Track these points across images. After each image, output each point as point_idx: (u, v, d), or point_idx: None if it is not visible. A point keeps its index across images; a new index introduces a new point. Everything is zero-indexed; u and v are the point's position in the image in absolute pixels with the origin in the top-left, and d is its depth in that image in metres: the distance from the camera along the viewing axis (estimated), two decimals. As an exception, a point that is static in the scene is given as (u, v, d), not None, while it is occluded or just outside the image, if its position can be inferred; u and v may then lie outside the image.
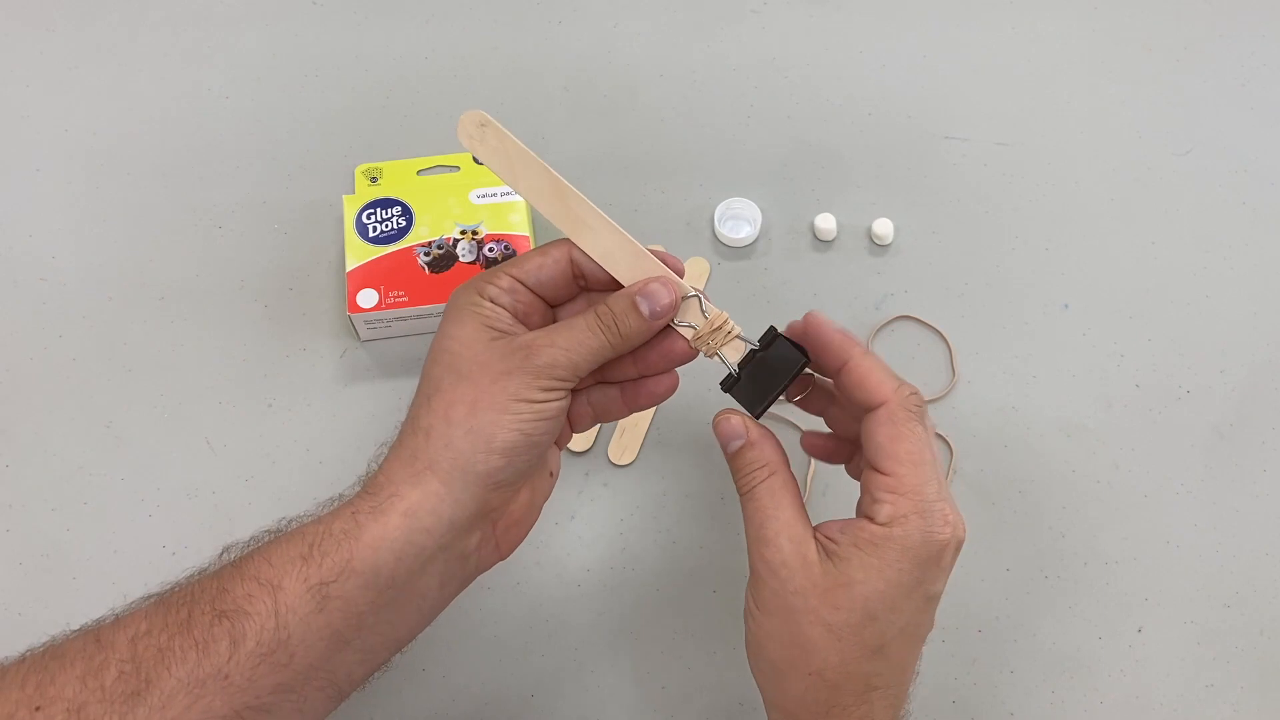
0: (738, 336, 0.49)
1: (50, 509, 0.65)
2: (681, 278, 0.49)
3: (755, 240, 0.71)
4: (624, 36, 0.79)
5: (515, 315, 0.48)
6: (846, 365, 0.48)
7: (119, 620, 0.44)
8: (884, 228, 0.71)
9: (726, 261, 0.71)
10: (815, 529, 0.47)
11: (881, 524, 0.45)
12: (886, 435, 0.46)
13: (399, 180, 0.71)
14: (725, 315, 0.49)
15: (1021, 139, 0.75)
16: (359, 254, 0.67)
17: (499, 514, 0.48)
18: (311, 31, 0.79)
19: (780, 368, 0.49)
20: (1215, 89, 0.77)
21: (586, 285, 0.50)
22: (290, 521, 0.47)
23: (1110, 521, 0.64)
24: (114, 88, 0.77)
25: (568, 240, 0.49)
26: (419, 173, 0.72)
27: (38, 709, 0.42)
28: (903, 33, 0.79)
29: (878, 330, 0.69)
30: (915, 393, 0.47)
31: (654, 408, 0.66)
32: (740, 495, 0.48)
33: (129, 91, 0.77)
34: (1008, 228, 0.72)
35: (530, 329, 0.48)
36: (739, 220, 0.72)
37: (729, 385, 0.49)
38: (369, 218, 0.68)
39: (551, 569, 0.63)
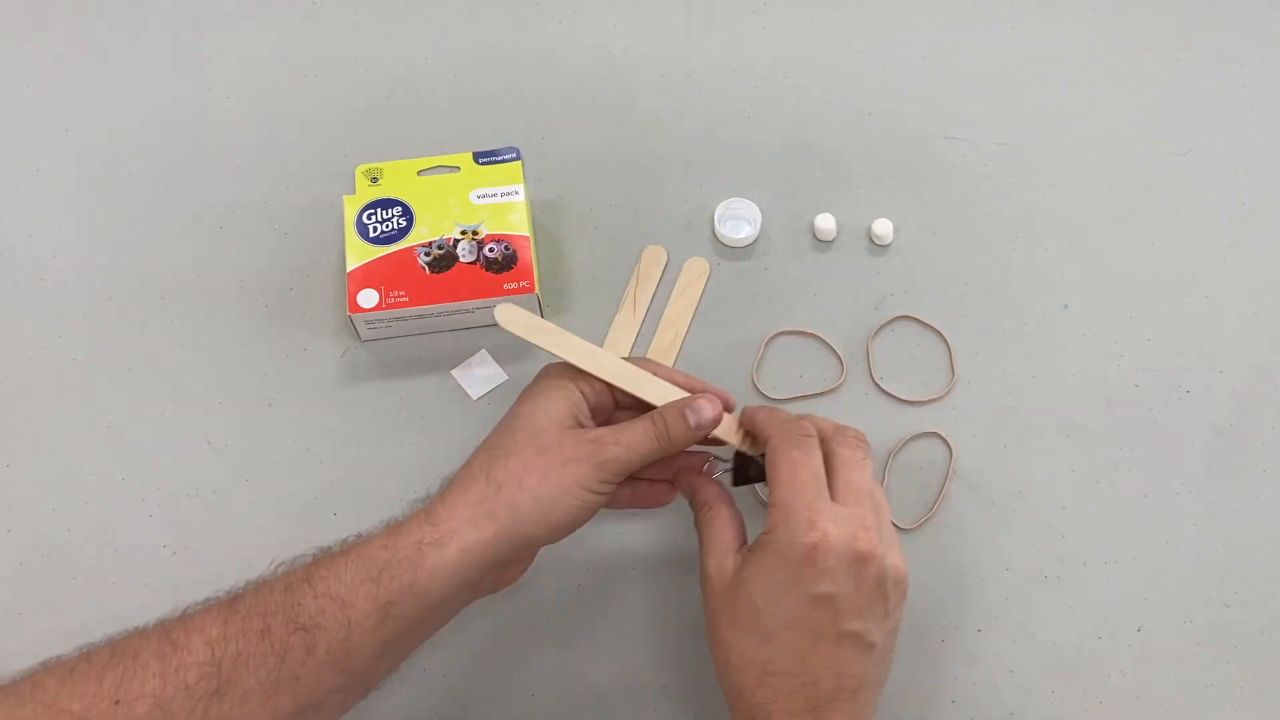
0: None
1: (50, 509, 0.65)
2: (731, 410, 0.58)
3: (755, 240, 0.71)
4: (624, 36, 0.79)
5: (592, 410, 0.57)
6: (749, 421, 0.58)
7: (187, 623, 0.50)
8: (884, 228, 0.71)
9: (726, 261, 0.71)
10: (744, 546, 0.55)
11: (766, 532, 0.53)
12: (769, 463, 0.55)
13: (399, 180, 0.71)
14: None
15: (1021, 139, 0.75)
16: (359, 254, 0.67)
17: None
18: (311, 31, 0.79)
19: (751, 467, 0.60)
20: (1215, 89, 0.77)
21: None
22: (349, 540, 0.53)
23: (1110, 521, 0.64)
24: (114, 88, 0.77)
25: (655, 366, 0.58)
26: (419, 173, 0.72)
27: (117, 702, 0.47)
28: (903, 33, 0.78)
29: (878, 330, 0.69)
30: (794, 423, 0.56)
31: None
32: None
33: (129, 91, 0.77)
34: (1008, 228, 0.72)
35: (596, 423, 0.57)
36: (739, 220, 0.72)
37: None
38: (369, 218, 0.68)
39: (551, 569, 0.63)
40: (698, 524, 0.57)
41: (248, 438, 0.66)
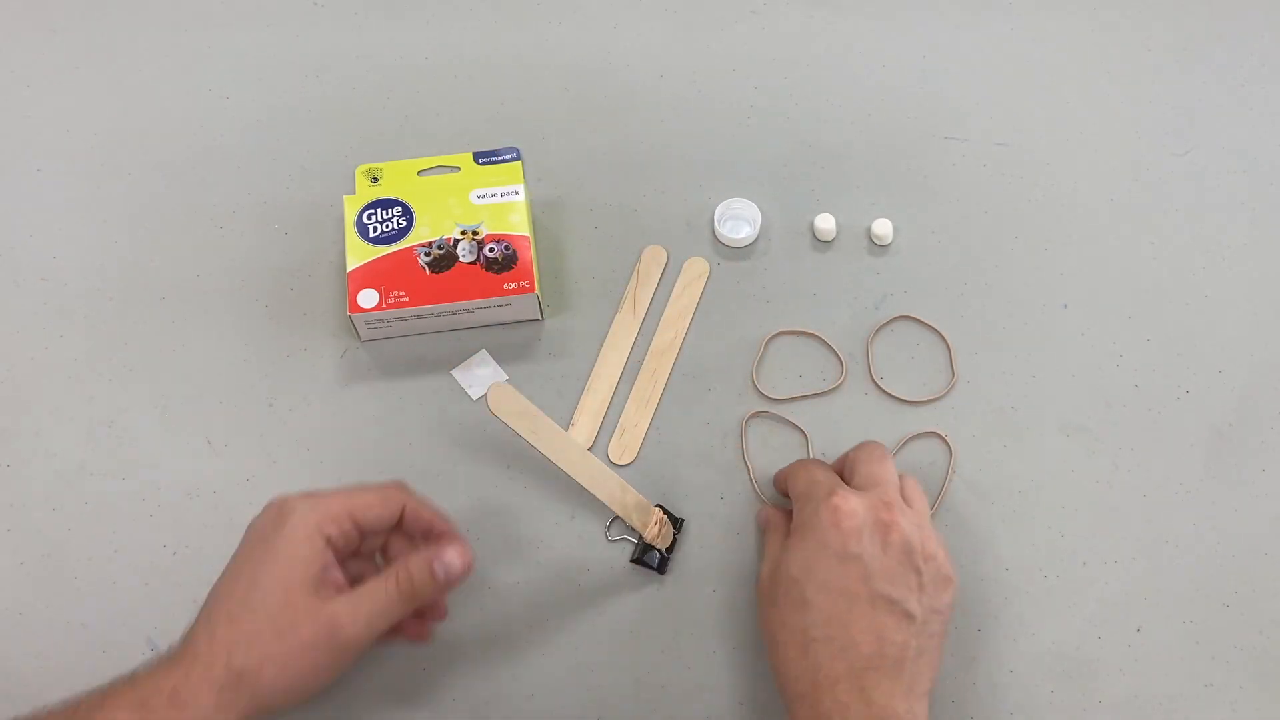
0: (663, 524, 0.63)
1: (50, 509, 0.65)
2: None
3: (755, 240, 0.71)
4: (624, 37, 0.79)
5: (340, 553, 0.56)
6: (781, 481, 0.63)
7: None
8: (884, 228, 0.71)
9: (726, 261, 0.71)
10: None
11: (793, 520, 0.58)
12: (786, 476, 0.61)
13: (399, 180, 0.71)
14: (659, 515, 0.62)
15: (1021, 139, 0.75)
16: (359, 254, 0.67)
17: None
18: (312, 31, 0.79)
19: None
20: (1215, 89, 0.77)
21: (402, 528, 0.59)
22: (90, 700, 0.51)
23: (1110, 521, 0.64)
24: (114, 88, 0.77)
25: (403, 492, 0.58)
26: (419, 173, 0.72)
27: None
28: (903, 33, 0.78)
29: (877, 330, 0.69)
30: (807, 458, 0.63)
31: (652, 411, 0.67)
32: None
33: (129, 92, 0.77)
34: (1008, 228, 0.72)
35: (340, 555, 0.56)
36: (739, 220, 0.72)
37: (640, 556, 0.63)
38: (369, 218, 0.68)
39: (551, 569, 0.63)
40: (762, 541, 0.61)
41: (248, 438, 0.66)
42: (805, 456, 0.66)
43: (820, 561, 0.55)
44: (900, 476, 0.59)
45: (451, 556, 0.56)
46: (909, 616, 0.54)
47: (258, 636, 0.52)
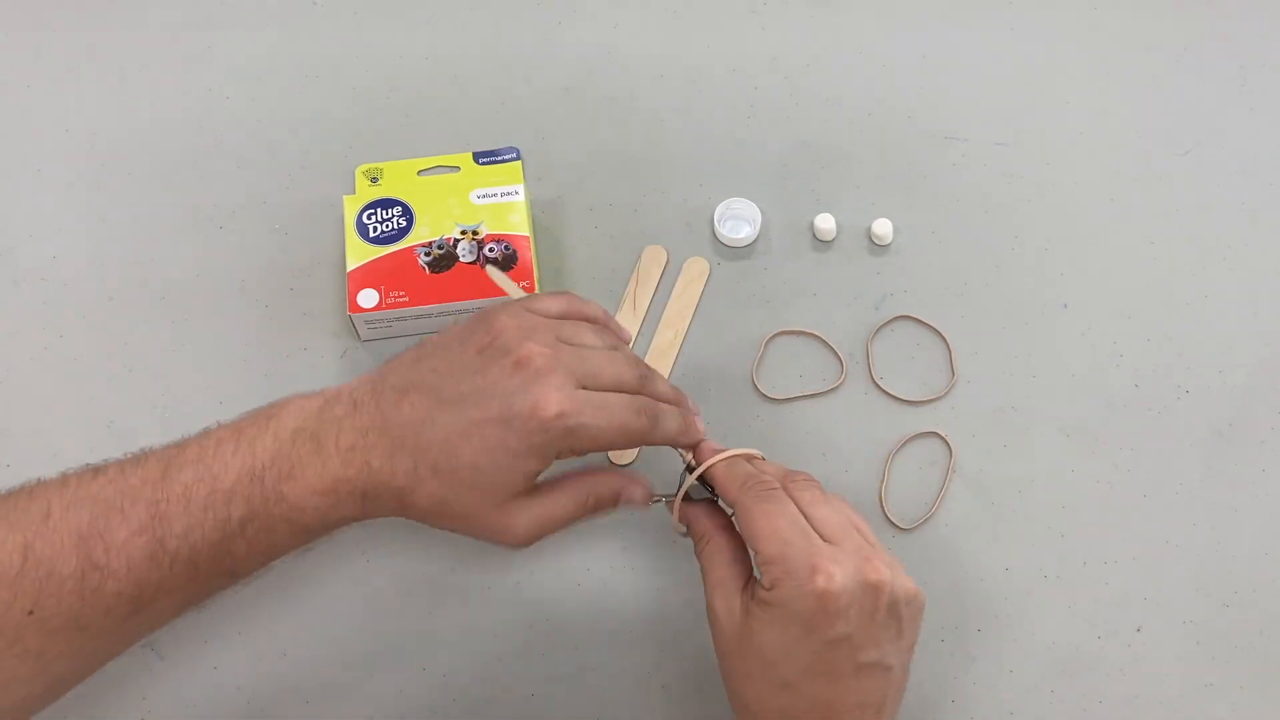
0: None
1: (50, 509, 0.65)
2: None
3: (755, 240, 0.71)
4: (624, 36, 0.79)
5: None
6: (708, 472, 0.56)
7: (107, 541, 0.48)
8: (884, 228, 0.71)
9: (726, 261, 0.71)
10: (750, 581, 0.53)
11: (766, 589, 0.50)
12: (743, 523, 0.53)
13: (399, 180, 0.71)
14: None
15: (1021, 139, 0.75)
16: (359, 254, 0.67)
17: None
18: (311, 31, 0.79)
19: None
20: (1215, 89, 0.77)
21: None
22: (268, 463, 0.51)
23: (1110, 521, 0.64)
24: (114, 88, 0.77)
25: (649, 423, 0.55)
26: (419, 173, 0.72)
27: (31, 613, 0.47)
28: (903, 33, 0.79)
29: (877, 330, 0.69)
30: (754, 478, 0.54)
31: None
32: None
33: (129, 91, 0.77)
34: (1008, 228, 0.72)
35: None
36: (739, 220, 0.72)
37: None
38: (369, 218, 0.68)
39: (551, 569, 0.63)
40: (698, 556, 0.55)
41: (248, 438, 0.66)
42: (750, 455, 0.57)
43: (803, 647, 0.49)
44: (817, 488, 0.54)
45: (637, 494, 0.56)
46: (889, 669, 0.51)
47: (447, 501, 0.51)
